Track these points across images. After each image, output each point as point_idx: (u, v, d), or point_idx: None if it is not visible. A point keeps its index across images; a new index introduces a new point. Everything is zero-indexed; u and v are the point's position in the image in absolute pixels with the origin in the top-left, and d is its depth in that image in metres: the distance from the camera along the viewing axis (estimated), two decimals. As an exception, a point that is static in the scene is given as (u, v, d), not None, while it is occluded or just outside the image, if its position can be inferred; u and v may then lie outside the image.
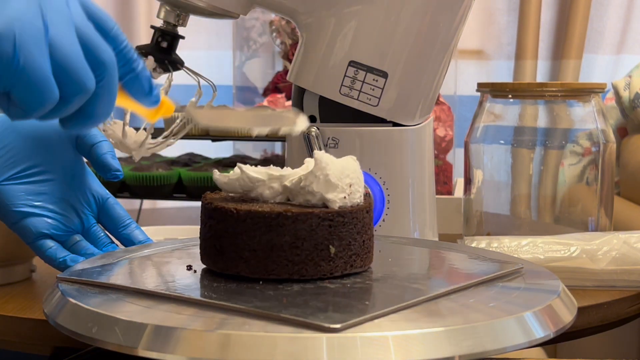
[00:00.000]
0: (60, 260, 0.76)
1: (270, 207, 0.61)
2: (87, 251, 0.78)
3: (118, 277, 0.64)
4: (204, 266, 0.65)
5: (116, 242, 0.82)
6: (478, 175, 1.13)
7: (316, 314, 0.51)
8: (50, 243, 0.77)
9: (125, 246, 0.81)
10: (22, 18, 0.50)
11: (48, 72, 0.51)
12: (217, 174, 0.67)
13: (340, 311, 0.53)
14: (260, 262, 0.60)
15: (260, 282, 0.60)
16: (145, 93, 0.60)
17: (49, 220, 0.78)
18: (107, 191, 0.84)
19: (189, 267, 0.65)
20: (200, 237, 0.65)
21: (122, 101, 0.60)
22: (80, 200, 0.81)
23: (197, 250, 0.66)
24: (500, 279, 0.62)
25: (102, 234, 0.81)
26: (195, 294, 0.58)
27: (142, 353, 0.49)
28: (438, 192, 1.32)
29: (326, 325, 0.48)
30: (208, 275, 0.63)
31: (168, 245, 0.76)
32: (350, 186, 0.63)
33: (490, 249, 0.86)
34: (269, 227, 0.59)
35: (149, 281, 0.63)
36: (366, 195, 0.65)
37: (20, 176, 0.78)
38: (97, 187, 0.83)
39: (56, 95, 0.53)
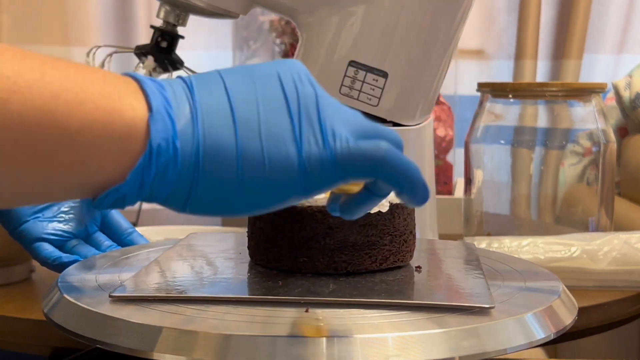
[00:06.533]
0: (55, 258, 0.77)
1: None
2: (85, 254, 0.78)
3: (168, 281, 0.60)
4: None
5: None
6: (478, 175, 1.13)
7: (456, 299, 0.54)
8: (46, 246, 0.78)
9: None
10: None
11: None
12: None
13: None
14: (362, 257, 0.61)
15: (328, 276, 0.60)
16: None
17: (49, 225, 0.79)
18: None
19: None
20: (289, 245, 0.61)
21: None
22: (83, 208, 0.81)
23: (207, 247, 0.67)
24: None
25: (104, 238, 0.82)
26: (310, 296, 0.55)
27: (156, 356, 0.47)
28: (438, 192, 1.32)
29: (483, 305, 0.51)
30: (269, 273, 0.61)
31: (168, 243, 0.75)
32: None
33: (491, 249, 0.86)
34: (366, 224, 0.61)
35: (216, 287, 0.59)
36: None
37: None
38: None
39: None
